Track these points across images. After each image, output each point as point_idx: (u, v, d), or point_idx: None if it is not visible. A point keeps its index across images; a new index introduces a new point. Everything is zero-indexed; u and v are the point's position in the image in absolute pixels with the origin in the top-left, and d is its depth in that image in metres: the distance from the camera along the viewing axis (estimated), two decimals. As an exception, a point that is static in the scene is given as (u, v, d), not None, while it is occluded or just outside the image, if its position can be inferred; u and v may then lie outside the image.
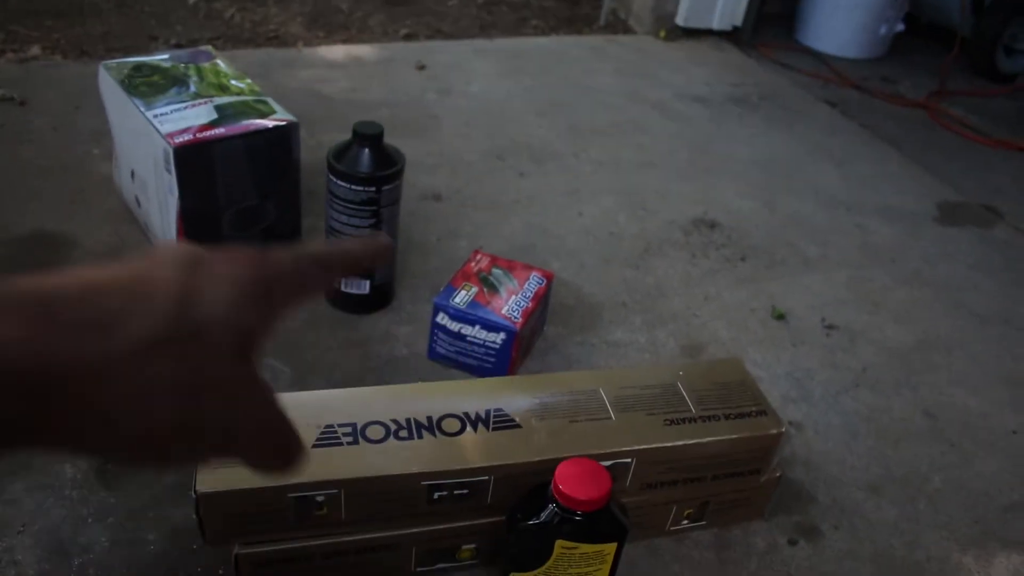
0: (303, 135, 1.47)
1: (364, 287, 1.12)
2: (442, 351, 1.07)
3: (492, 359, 1.05)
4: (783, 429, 0.85)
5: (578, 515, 0.67)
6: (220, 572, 0.81)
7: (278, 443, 0.42)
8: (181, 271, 0.38)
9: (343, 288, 1.12)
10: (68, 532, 0.83)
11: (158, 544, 0.83)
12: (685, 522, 0.90)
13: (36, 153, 1.39)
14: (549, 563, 0.69)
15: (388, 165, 1.05)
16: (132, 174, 1.18)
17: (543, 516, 0.68)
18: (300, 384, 1.03)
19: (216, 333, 0.37)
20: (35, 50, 1.74)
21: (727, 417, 0.85)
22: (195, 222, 1.07)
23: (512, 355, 1.04)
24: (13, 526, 0.83)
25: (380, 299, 1.16)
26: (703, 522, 0.91)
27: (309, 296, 0.45)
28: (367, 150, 1.04)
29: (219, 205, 1.08)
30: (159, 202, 1.10)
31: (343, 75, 1.80)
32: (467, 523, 0.80)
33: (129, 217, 1.25)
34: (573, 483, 0.67)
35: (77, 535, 0.83)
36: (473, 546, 0.82)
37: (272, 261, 0.42)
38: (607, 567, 0.71)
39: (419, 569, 0.82)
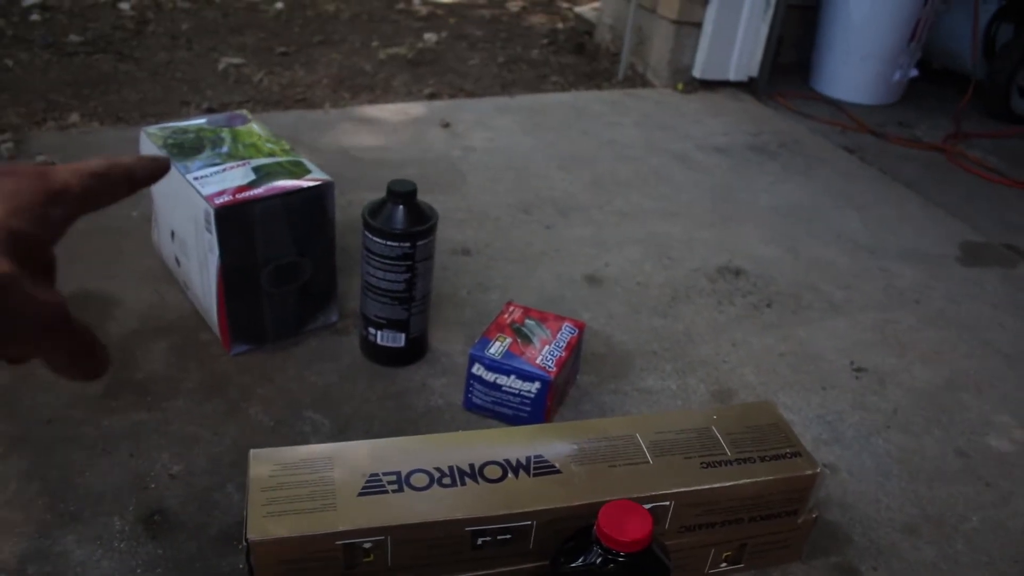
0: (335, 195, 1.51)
1: (400, 340, 1.15)
2: (478, 401, 1.09)
3: (527, 408, 1.07)
4: (818, 469, 0.86)
5: (621, 556, 0.68)
6: (268, 621, 0.82)
7: (69, 347, 0.47)
8: None
9: (379, 341, 1.15)
10: (119, 584, 0.85)
11: (207, 595, 0.85)
12: (724, 565, 0.91)
13: (77, 217, 1.43)
14: (594, 606, 0.70)
15: (422, 221, 1.08)
16: (172, 234, 1.22)
17: (587, 559, 0.69)
18: (340, 436, 1.05)
19: None
20: (74, 118, 1.80)
21: (762, 459, 0.86)
22: (235, 279, 1.11)
23: (547, 404, 1.06)
24: (65, 579, 0.85)
25: (415, 351, 1.19)
26: (741, 565, 0.92)
27: (90, 209, 0.50)
28: (401, 207, 1.08)
29: (258, 262, 1.11)
30: (199, 260, 1.14)
31: (370, 135, 1.85)
32: (511, 568, 0.81)
33: (168, 276, 1.29)
34: (616, 524, 0.69)
35: (127, 587, 0.85)
36: (516, 592, 0.83)
37: (52, 176, 0.46)
38: (651, 609, 0.72)
39: (463, 615, 0.83)
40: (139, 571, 0.86)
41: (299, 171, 1.14)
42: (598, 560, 0.69)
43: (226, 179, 1.11)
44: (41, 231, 0.45)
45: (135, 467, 0.98)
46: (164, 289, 1.28)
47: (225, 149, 1.18)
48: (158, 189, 1.24)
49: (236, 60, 2.24)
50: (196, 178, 1.10)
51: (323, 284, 1.20)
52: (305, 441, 1.04)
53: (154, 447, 1.01)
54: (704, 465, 0.85)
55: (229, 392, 1.11)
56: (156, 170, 0.54)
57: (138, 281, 1.29)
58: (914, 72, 2.51)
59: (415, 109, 2.02)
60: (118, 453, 1.00)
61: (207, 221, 1.07)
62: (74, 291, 1.25)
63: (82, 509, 0.92)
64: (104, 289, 1.27)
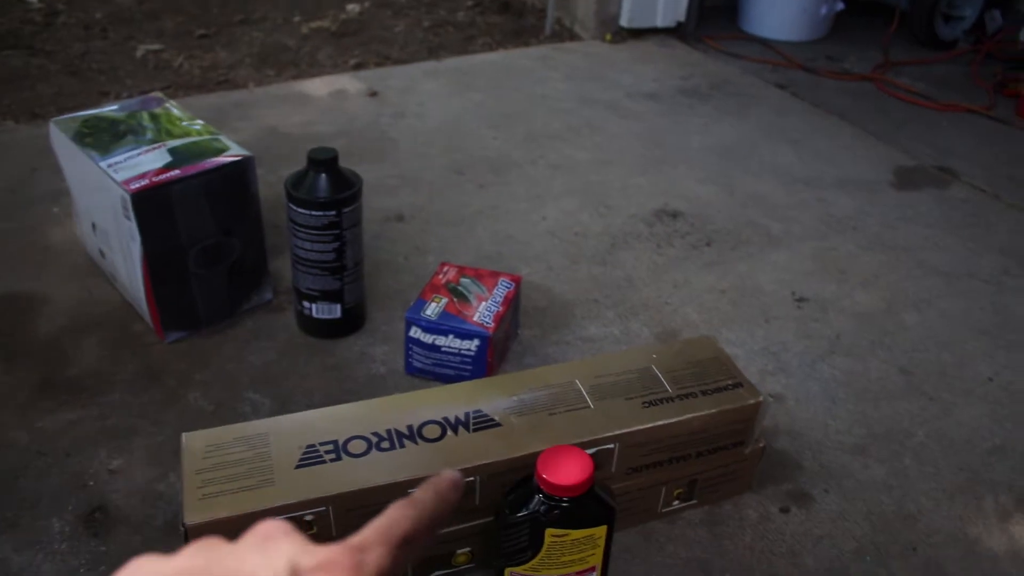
0: (263, 172, 1.48)
1: (335, 311, 1.13)
2: (419, 365, 1.08)
3: (469, 367, 1.06)
4: (761, 399, 0.86)
5: (564, 501, 0.68)
6: (218, 605, 0.81)
7: None
8: None
9: (314, 314, 1.13)
10: (62, 585, 0.83)
11: (154, 585, 0.83)
12: (676, 503, 0.91)
13: (-4, 218, 1.39)
14: (542, 554, 0.69)
15: (346, 187, 1.06)
16: (93, 226, 1.19)
17: (530, 507, 0.69)
18: (281, 414, 1.01)
19: None
20: (-14, 118, 1.74)
21: (704, 393, 0.86)
22: (160, 264, 1.08)
23: (488, 360, 1.04)
24: (6, 586, 0.83)
25: (353, 321, 1.17)
26: (693, 500, 0.92)
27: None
28: (323, 175, 1.05)
29: (182, 245, 1.08)
30: (122, 250, 1.10)
31: (297, 110, 1.81)
32: (458, 527, 0.80)
33: (95, 270, 1.25)
34: (555, 470, 0.68)
35: (71, 587, 0.83)
36: (468, 550, 0.82)
37: (367, 565, 0.34)
38: (600, 551, 0.72)
39: (417, 579, 0.82)
40: (82, 571, 0.84)
41: (217, 149, 1.11)
42: (541, 508, 0.68)
43: (142, 163, 1.07)
44: None
45: (72, 466, 0.96)
46: (92, 283, 1.24)
47: (144, 135, 1.14)
48: (74, 181, 1.20)
49: (154, 46, 2.17)
50: (110, 165, 1.07)
51: (253, 262, 1.17)
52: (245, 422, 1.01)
53: (91, 444, 0.98)
54: (646, 404, 0.84)
55: (166, 380, 1.08)
56: (453, 489, 0.40)
57: (65, 277, 1.25)
58: (840, 5, 2.51)
59: (342, 81, 1.98)
60: (54, 453, 0.97)
61: (125, 208, 1.04)
62: (-2, 294, 1.21)
63: (19, 515, 0.90)
64: (30, 289, 1.23)
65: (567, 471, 0.68)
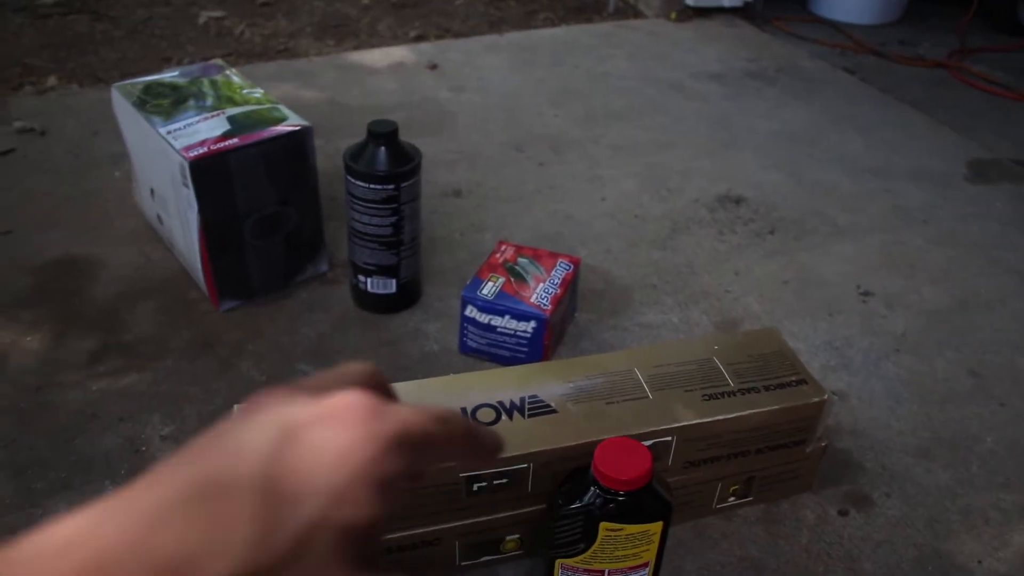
0: (321, 143, 1.47)
1: (391, 286, 1.12)
2: (473, 344, 1.06)
3: (524, 349, 1.04)
4: (825, 397, 0.83)
5: (621, 495, 0.66)
6: (265, 579, 0.80)
7: None
8: (267, 461, 0.29)
9: (369, 289, 1.12)
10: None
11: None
12: (732, 499, 0.88)
13: (58, 180, 1.40)
14: (595, 547, 0.68)
15: (405, 161, 1.04)
16: (152, 192, 1.19)
17: (585, 499, 0.67)
18: (333, 387, 1.02)
19: (319, 549, 0.29)
20: (52, 81, 1.76)
21: (767, 388, 0.83)
22: (216, 233, 1.07)
23: (544, 343, 1.03)
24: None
25: (408, 297, 1.15)
26: (750, 498, 0.89)
27: (426, 465, 0.34)
28: (383, 148, 1.04)
29: (239, 214, 1.08)
30: (180, 217, 1.10)
31: (356, 82, 1.80)
32: (509, 513, 0.79)
33: (153, 236, 1.26)
34: (613, 463, 0.66)
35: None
36: (517, 536, 0.81)
37: (390, 416, 0.31)
38: (654, 547, 0.70)
39: (464, 563, 0.81)
40: (132, 535, 0.84)
41: (276, 118, 1.10)
42: (596, 500, 0.66)
43: (200, 131, 1.07)
44: (376, 510, 0.30)
45: (125, 431, 0.96)
46: (149, 249, 1.24)
47: (204, 102, 1.13)
48: (134, 147, 1.20)
49: (216, 13, 2.18)
50: (169, 132, 1.06)
51: (309, 233, 1.17)
52: (298, 395, 1.01)
53: (144, 409, 0.99)
54: (706, 397, 0.82)
55: (219, 349, 1.08)
56: (494, 444, 0.38)
57: (123, 242, 1.26)
58: (915, -13, 2.42)
59: (401, 53, 1.97)
60: (108, 417, 0.98)
61: (183, 175, 1.03)
62: (58, 257, 1.22)
63: (72, 476, 0.90)
64: (89, 253, 1.23)
65: (625, 464, 0.66)
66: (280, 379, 1.03)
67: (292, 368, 1.05)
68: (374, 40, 2.08)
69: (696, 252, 1.31)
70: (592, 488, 0.67)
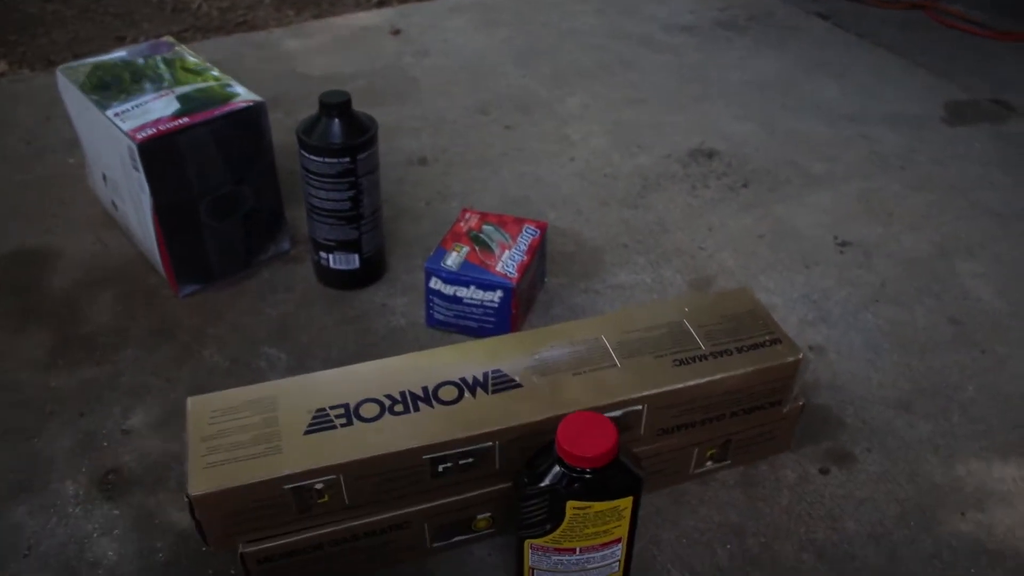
0: (281, 116, 1.43)
1: (353, 261, 1.08)
2: (440, 317, 1.04)
3: (492, 319, 1.01)
4: (800, 356, 0.81)
5: (587, 473, 0.63)
6: (232, 573, 0.78)
7: None
8: None
9: (332, 265, 1.09)
10: (75, 550, 0.81)
11: (167, 551, 0.80)
12: (709, 463, 0.86)
13: (11, 169, 1.35)
14: (563, 526, 0.65)
15: (360, 132, 1.01)
16: (104, 178, 1.15)
17: (550, 479, 0.64)
18: (298, 370, 0.99)
19: None
20: (2, 67, 1.70)
21: (739, 350, 0.81)
22: (171, 217, 1.04)
23: (512, 312, 1.00)
24: (18, 551, 0.81)
25: (372, 272, 1.12)
26: (727, 461, 0.87)
27: None
28: (336, 120, 1.00)
29: (193, 196, 1.04)
30: (133, 202, 1.07)
31: (318, 51, 1.75)
32: (478, 492, 0.76)
33: (109, 222, 1.22)
34: (576, 440, 0.63)
35: (84, 552, 0.80)
36: (488, 515, 0.79)
37: None
38: (626, 522, 0.67)
39: (435, 544, 0.79)
40: (95, 535, 0.82)
41: (228, 95, 1.06)
42: (562, 479, 0.64)
43: (149, 111, 1.03)
44: None
45: (86, 426, 0.93)
46: (106, 236, 1.21)
47: (158, 82, 1.09)
48: (83, 131, 1.16)
49: (173, -13, 2.12)
50: (117, 114, 1.02)
51: (268, 212, 1.13)
52: (261, 378, 0.98)
53: (105, 403, 0.96)
54: (677, 363, 0.79)
55: (180, 336, 1.05)
56: None
57: (79, 230, 1.22)
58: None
59: (364, 19, 1.91)
60: (67, 413, 0.95)
61: (133, 158, 0.99)
62: (13, 248, 1.18)
63: (32, 478, 0.88)
64: (45, 243, 1.20)
65: (589, 441, 0.63)
66: (244, 364, 1.00)
67: (256, 351, 1.02)
68: (336, 8, 2.03)
69: (668, 209, 1.28)
70: (557, 467, 0.64)
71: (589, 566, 0.69)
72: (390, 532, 0.76)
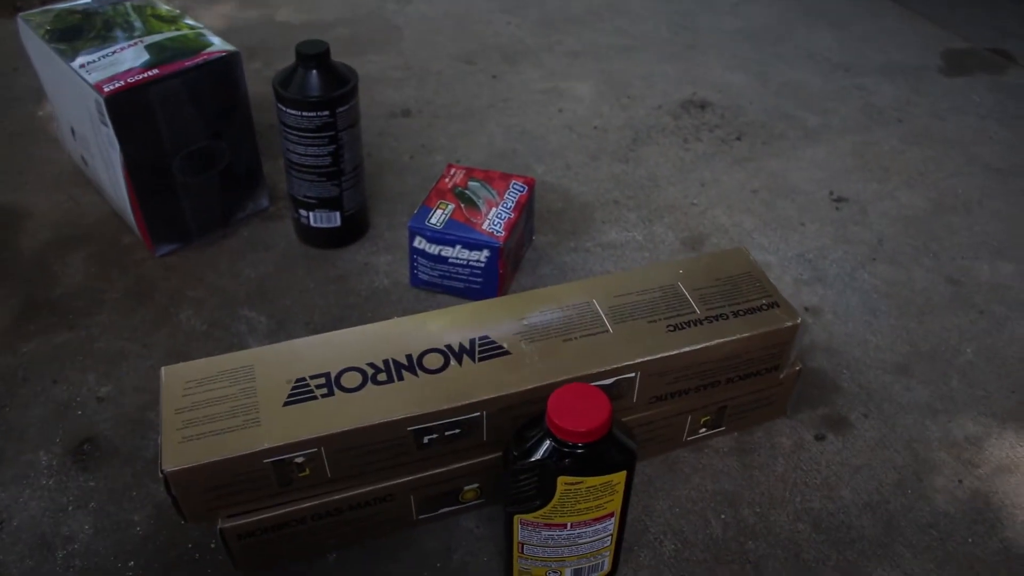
0: (259, 67, 1.38)
1: (334, 219, 1.05)
2: (425, 277, 1.00)
3: (479, 279, 0.98)
4: (799, 320, 0.78)
5: (578, 448, 0.60)
6: (212, 546, 0.76)
7: None
8: None
9: (312, 223, 1.05)
10: (49, 524, 0.78)
11: (144, 525, 0.78)
12: (703, 430, 0.84)
13: (-24, 122, 1.30)
14: (554, 501, 0.63)
15: (340, 84, 0.96)
16: (72, 132, 1.10)
17: (540, 453, 0.61)
18: (279, 333, 0.96)
19: None
20: (-34, 11, 1.63)
21: (736, 314, 0.78)
22: (143, 173, 0.99)
23: (500, 272, 0.97)
24: (-10, 524, 0.78)
25: (354, 229, 1.08)
26: (722, 427, 0.85)
27: None
28: (314, 71, 0.95)
29: (166, 152, 1.00)
30: (103, 158, 1.02)
31: (296, -4, 1.69)
32: (465, 464, 0.74)
33: (81, 179, 1.17)
34: (568, 414, 0.60)
35: (59, 526, 0.78)
36: (476, 486, 0.76)
37: None
38: (619, 496, 0.65)
39: (422, 516, 0.77)
40: (70, 508, 0.79)
41: (201, 44, 1.01)
42: (552, 454, 0.61)
43: (118, 62, 0.98)
44: None
45: (59, 394, 0.90)
46: (78, 193, 1.16)
47: (126, 30, 1.04)
48: (49, 83, 1.11)
49: (144, -72, 2.03)
50: (83, 65, 0.97)
51: (245, 167, 1.09)
52: (241, 343, 0.95)
53: (79, 369, 0.93)
54: (671, 328, 0.76)
55: (156, 298, 1.01)
56: None
57: (49, 187, 1.18)
58: None
59: (344, -37, 1.85)
60: (39, 380, 0.91)
61: (100, 112, 0.95)
62: (-21, 205, 1.14)
63: (4, 448, 0.84)
64: (12, 201, 1.15)
65: (581, 415, 0.60)
66: (222, 327, 0.97)
67: (235, 314, 0.99)
68: (315, -50, 1.95)
69: (660, 163, 1.24)
70: (547, 441, 0.61)
71: (580, 541, 0.67)
72: (374, 505, 0.73)
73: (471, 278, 0.98)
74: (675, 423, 0.81)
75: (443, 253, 0.97)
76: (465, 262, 0.97)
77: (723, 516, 0.79)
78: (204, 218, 1.08)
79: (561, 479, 0.62)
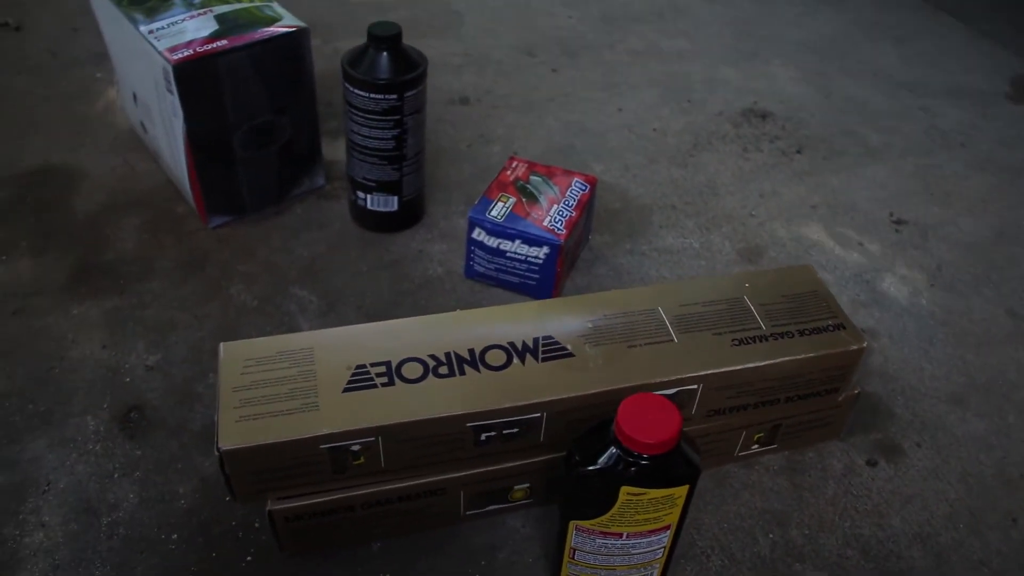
0: (319, 43, 1.37)
1: (392, 203, 1.04)
2: (480, 269, 0.99)
3: (535, 275, 0.97)
4: (864, 344, 0.77)
5: (644, 459, 0.59)
6: (256, 526, 0.75)
7: None
8: None
9: (369, 206, 1.04)
10: (95, 489, 0.78)
11: (189, 498, 0.77)
12: (755, 447, 0.83)
13: (36, 81, 1.30)
14: (613, 511, 0.62)
15: (410, 68, 0.95)
16: (135, 97, 1.10)
17: (605, 460, 0.60)
18: (329, 315, 0.95)
19: None
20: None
21: (801, 333, 0.77)
22: (204, 145, 0.99)
23: (557, 270, 0.96)
24: (38, 485, 0.78)
25: (410, 215, 1.08)
26: (774, 445, 0.83)
27: None
28: (385, 54, 0.94)
29: (228, 124, 0.99)
30: (165, 126, 1.02)
31: (356, -26, 1.68)
32: (518, 463, 0.73)
33: (138, 144, 1.17)
34: (638, 424, 0.59)
35: (105, 492, 0.77)
36: (527, 486, 0.75)
37: None
38: (678, 510, 0.64)
39: (469, 512, 0.76)
40: (116, 475, 0.79)
41: (269, 17, 1.00)
42: (619, 465, 0.60)
43: (186, 31, 0.97)
44: None
45: (109, 359, 0.90)
46: (134, 158, 1.16)
47: (201, 2, 1.03)
48: (115, 46, 1.10)
49: None
50: (151, 31, 0.97)
51: (305, 144, 1.08)
52: (291, 321, 0.94)
53: (129, 336, 0.92)
54: (736, 342, 0.75)
55: (208, 270, 1.01)
56: None
57: (106, 151, 1.17)
58: None
59: (406, -56, 1.83)
60: (90, 344, 0.91)
61: (167, 80, 0.94)
62: (36, 165, 1.14)
63: (53, 409, 0.84)
64: (69, 162, 1.15)
65: (651, 426, 0.59)
66: (273, 304, 0.96)
67: (286, 292, 0.98)
68: (376, -71, 1.94)
69: (719, 171, 1.22)
70: (613, 448, 0.60)
71: (634, 551, 0.66)
72: (425, 498, 0.72)
73: (527, 274, 0.97)
74: (729, 438, 0.80)
75: (502, 247, 0.96)
76: (523, 257, 0.96)
77: (771, 535, 0.78)
78: (260, 193, 1.07)
79: (624, 489, 0.61)
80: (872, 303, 1.03)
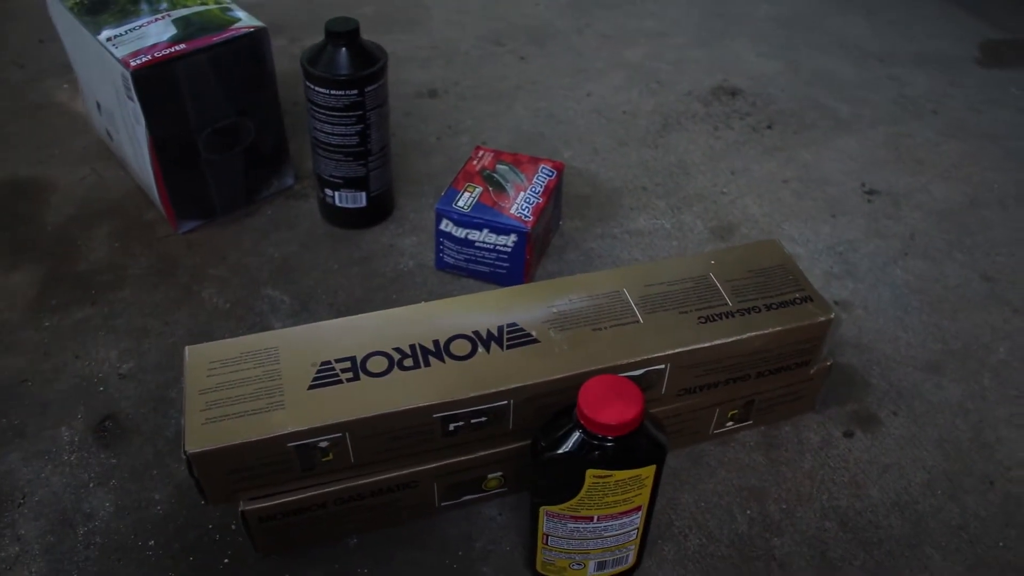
0: (285, 43, 1.37)
1: (360, 199, 1.04)
2: (450, 260, 0.99)
3: (505, 264, 0.97)
4: (832, 316, 0.76)
5: (608, 441, 0.59)
6: (232, 528, 0.75)
7: None
8: None
9: (337, 203, 1.04)
10: (71, 500, 0.77)
11: (165, 504, 0.77)
12: (730, 424, 0.83)
13: (2, 94, 1.30)
14: (581, 494, 0.62)
15: (369, 63, 0.95)
16: (98, 106, 1.09)
17: (569, 445, 0.60)
18: (302, 314, 0.95)
19: None
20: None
21: (768, 308, 0.76)
22: (168, 150, 0.99)
23: (526, 257, 0.95)
24: (13, 499, 0.78)
25: (379, 210, 1.07)
26: (749, 421, 0.84)
27: None
28: (344, 50, 0.94)
29: (191, 128, 0.99)
30: (128, 133, 1.01)
31: (322, -28, 1.67)
32: (490, 452, 0.73)
33: (105, 153, 1.17)
34: (600, 406, 0.59)
35: (80, 502, 0.77)
36: (500, 474, 0.75)
37: None
38: (647, 491, 0.64)
39: (444, 504, 0.76)
40: (91, 485, 0.79)
41: (228, 20, 1.00)
42: (582, 447, 0.60)
43: (144, 36, 0.97)
44: None
45: (82, 369, 0.89)
46: (102, 167, 1.16)
47: (153, 4, 1.03)
48: (75, 56, 1.10)
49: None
50: (109, 39, 0.96)
51: (271, 145, 1.08)
52: (264, 322, 0.94)
53: (101, 345, 0.92)
54: (702, 320, 0.75)
55: (179, 275, 1.00)
56: None
57: (74, 161, 1.17)
58: None
59: (371, -61, 1.83)
60: (62, 355, 0.91)
61: (127, 87, 0.94)
62: (3, 179, 1.13)
63: (26, 422, 0.84)
64: (38, 174, 1.14)
65: (613, 408, 0.59)
66: (245, 306, 0.96)
67: (258, 293, 0.98)
68: (342, -74, 1.94)
69: (689, 150, 1.22)
70: (577, 433, 0.60)
71: (607, 534, 0.66)
72: (397, 491, 0.72)
73: (497, 262, 0.97)
74: (702, 416, 0.80)
75: (470, 237, 0.96)
76: (492, 246, 0.95)
77: (749, 511, 0.78)
78: (228, 195, 1.07)
79: (590, 472, 0.61)
80: (846, 275, 1.03)
